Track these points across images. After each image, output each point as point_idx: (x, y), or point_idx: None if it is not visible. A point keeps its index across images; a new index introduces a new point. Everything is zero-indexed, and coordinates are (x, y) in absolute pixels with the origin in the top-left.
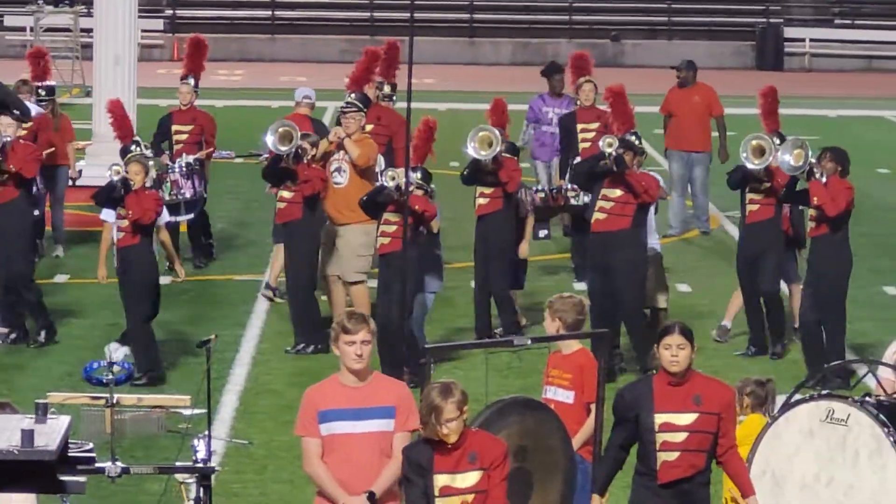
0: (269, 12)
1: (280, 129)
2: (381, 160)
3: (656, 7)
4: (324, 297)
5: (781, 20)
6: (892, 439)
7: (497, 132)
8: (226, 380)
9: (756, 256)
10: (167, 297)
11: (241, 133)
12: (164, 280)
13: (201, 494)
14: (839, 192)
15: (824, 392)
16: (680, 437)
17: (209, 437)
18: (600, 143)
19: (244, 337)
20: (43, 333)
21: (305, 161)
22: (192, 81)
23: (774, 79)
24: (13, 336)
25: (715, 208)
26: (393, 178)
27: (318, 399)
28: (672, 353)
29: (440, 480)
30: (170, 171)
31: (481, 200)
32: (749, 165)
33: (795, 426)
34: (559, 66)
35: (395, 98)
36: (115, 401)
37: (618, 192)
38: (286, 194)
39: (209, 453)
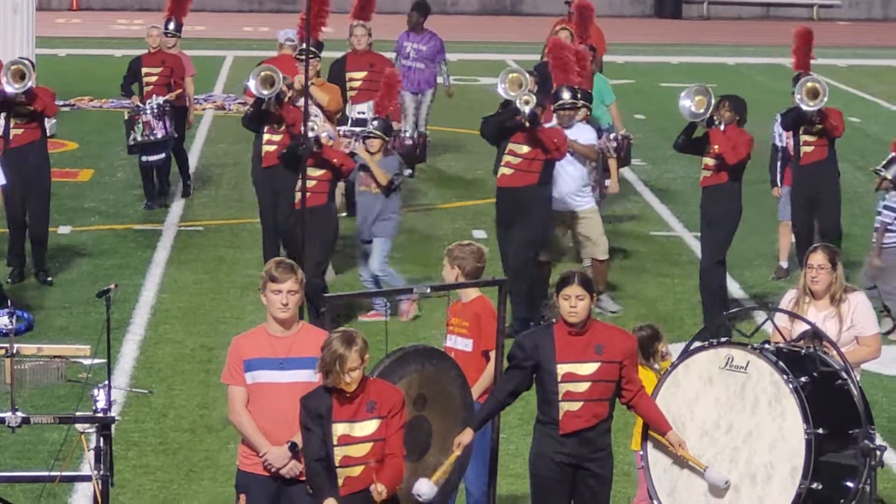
0: None
1: (262, 74)
2: (369, 106)
3: None
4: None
5: None
6: (791, 386)
7: (527, 74)
8: (126, 329)
9: (812, 196)
10: (67, 248)
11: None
12: (65, 230)
13: (101, 444)
14: (739, 141)
15: (723, 339)
16: (583, 386)
17: (109, 386)
18: (516, 100)
19: (144, 287)
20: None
21: (286, 101)
22: (171, 26)
23: (673, 27)
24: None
25: None
26: (312, 130)
27: (244, 348)
28: (571, 303)
29: (339, 429)
30: (141, 112)
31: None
32: (804, 107)
33: (695, 373)
34: (421, 5)
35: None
36: (14, 350)
37: (525, 149)
38: (274, 137)
39: (109, 403)
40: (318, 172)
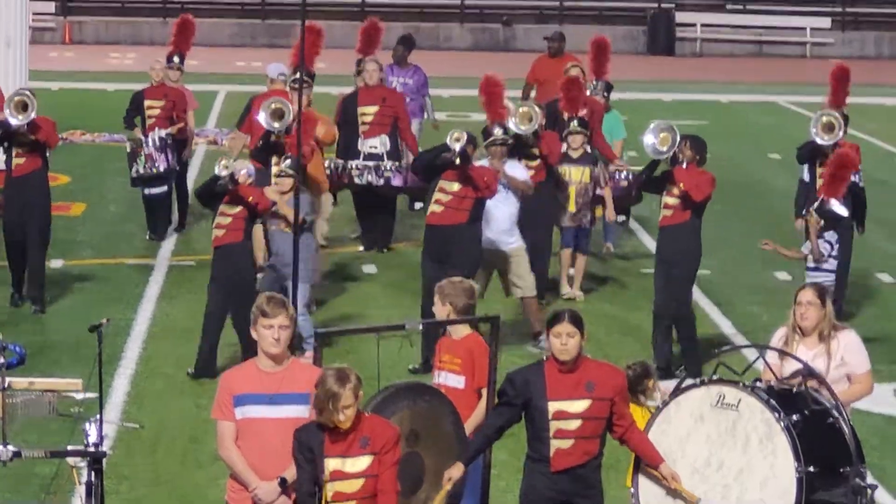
0: None
1: (273, 106)
2: (385, 140)
3: None
4: None
5: (673, 5)
6: (782, 424)
7: (537, 108)
8: (117, 363)
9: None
10: (60, 281)
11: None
12: (57, 263)
13: (93, 478)
14: (702, 180)
15: (715, 377)
16: (574, 424)
17: (100, 420)
18: (448, 137)
19: (135, 321)
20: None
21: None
22: (175, 59)
23: (666, 64)
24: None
25: None
26: (226, 167)
27: (234, 383)
28: (562, 341)
29: (331, 464)
30: (143, 145)
31: (529, 171)
32: (819, 141)
33: (686, 411)
34: (407, 38)
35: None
36: (6, 384)
37: (456, 186)
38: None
39: (100, 437)
40: (234, 210)
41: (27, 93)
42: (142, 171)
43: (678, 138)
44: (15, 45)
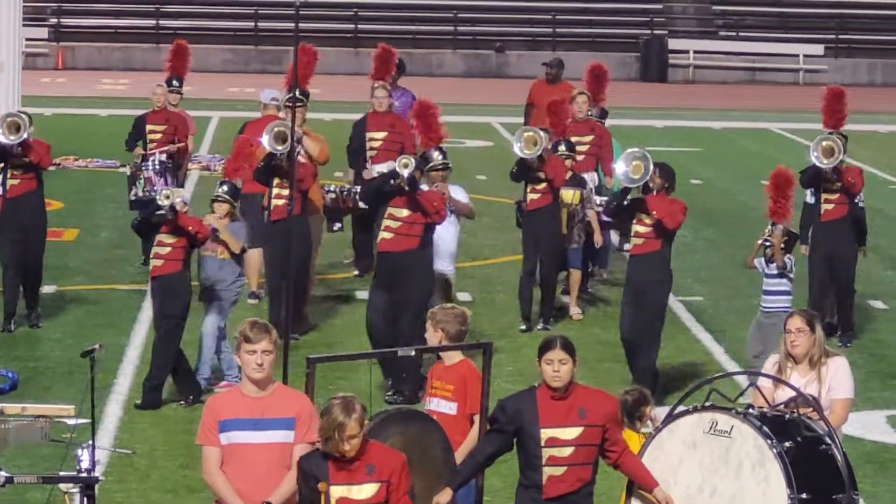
0: (154, 22)
1: (275, 130)
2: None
3: (540, 18)
4: None
5: (666, 32)
6: (774, 451)
7: (541, 133)
8: (110, 389)
9: (832, 253)
10: (53, 306)
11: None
12: (50, 289)
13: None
14: (673, 207)
15: (707, 404)
16: (566, 451)
17: (93, 446)
18: (396, 162)
19: (128, 346)
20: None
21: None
22: (174, 83)
23: (658, 90)
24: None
25: None
26: (167, 197)
27: (219, 408)
28: (554, 368)
29: (336, 492)
30: (143, 168)
31: (532, 196)
32: (819, 164)
33: (679, 437)
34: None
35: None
36: None
37: (405, 212)
38: (283, 192)
39: (93, 463)
40: (173, 240)
41: (21, 114)
42: (140, 194)
43: (651, 167)
44: (8, 71)
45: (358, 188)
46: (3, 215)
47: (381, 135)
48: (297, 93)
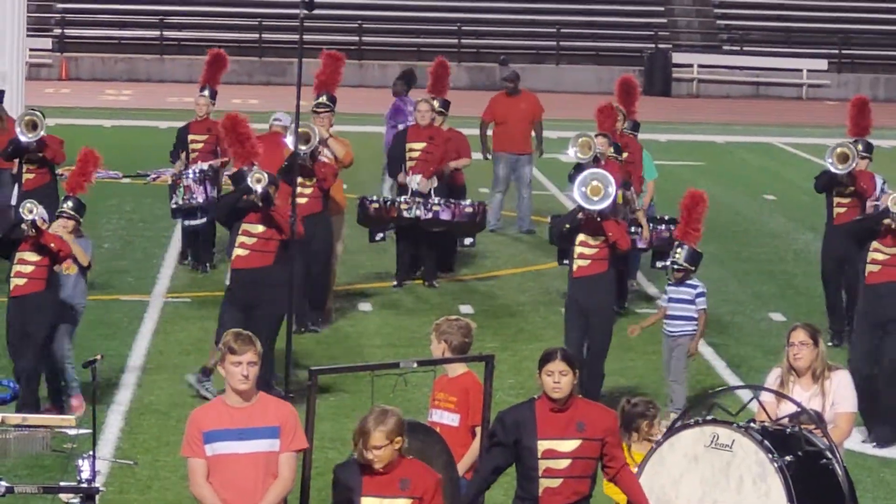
0: (158, 32)
1: (299, 130)
2: (418, 178)
3: (544, 31)
4: None
5: (670, 46)
6: (775, 465)
7: (596, 137)
8: (111, 400)
9: (842, 257)
10: None
11: (128, 153)
12: None
13: None
14: (624, 228)
15: (709, 418)
16: (563, 463)
17: (94, 456)
18: (248, 178)
19: (130, 357)
20: None
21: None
22: (206, 93)
23: (662, 104)
24: None
25: None
26: (31, 212)
27: (203, 420)
28: (554, 379)
29: (368, 503)
30: (183, 176)
31: None
32: (833, 170)
33: (680, 451)
34: (407, 74)
35: (446, 114)
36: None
37: (260, 228)
38: (305, 190)
39: (94, 473)
40: (36, 258)
41: (38, 112)
42: (180, 202)
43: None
44: (11, 81)
45: (403, 199)
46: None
47: (420, 146)
48: (325, 98)
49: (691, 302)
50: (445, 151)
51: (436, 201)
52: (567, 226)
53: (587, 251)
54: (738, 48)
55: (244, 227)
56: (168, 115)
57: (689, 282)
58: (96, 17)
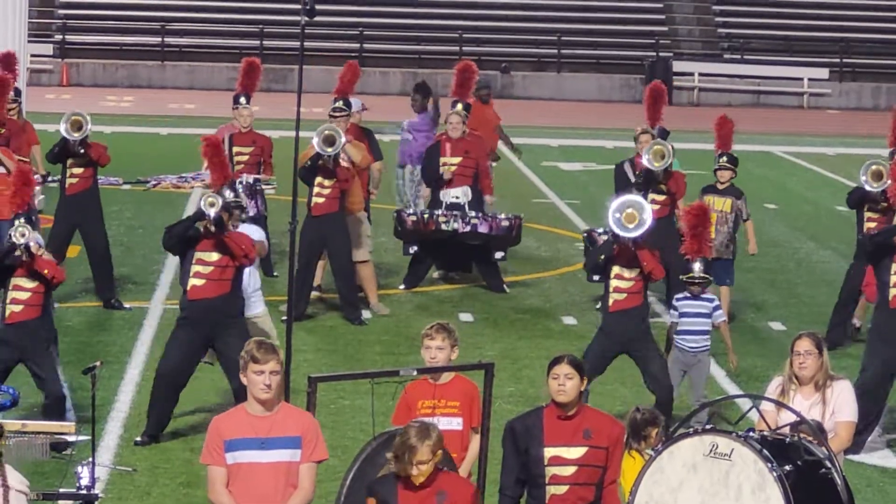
0: (159, 39)
1: (325, 133)
2: (468, 190)
3: (546, 39)
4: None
5: (671, 54)
6: (775, 474)
7: (669, 147)
8: (110, 406)
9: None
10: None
11: (129, 159)
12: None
13: None
14: (658, 257)
15: (708, 426)
16: (569, 470)
17: (93, 463)
18: (201, 202)
19: (129, 364)
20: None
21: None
22: (242, 100)
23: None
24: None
25: None
26: (23, 236)
27: (224, 428)
28: (560, 382)
29: None
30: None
31: (653, 206)
32: (867, 188)
33: (679, 460)
34: (422, 86)
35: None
36: None
37: (215, 256)
38: (324, 191)
39: (93, 480)
40: (31, 284)
41: (83, 113)
42: None
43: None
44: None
45: (439, 212)
46: (60, 212)
47: (456, 160)
48: (342, 103)
49: (708, 315)
50: (482, 162)
51: (473, 214)
52: (602, 256)
53: (623, 284)
54: (739, 57)
55: (197, 255)
56: (169, 121)
57: (704, 295)
58: (98, 23)
